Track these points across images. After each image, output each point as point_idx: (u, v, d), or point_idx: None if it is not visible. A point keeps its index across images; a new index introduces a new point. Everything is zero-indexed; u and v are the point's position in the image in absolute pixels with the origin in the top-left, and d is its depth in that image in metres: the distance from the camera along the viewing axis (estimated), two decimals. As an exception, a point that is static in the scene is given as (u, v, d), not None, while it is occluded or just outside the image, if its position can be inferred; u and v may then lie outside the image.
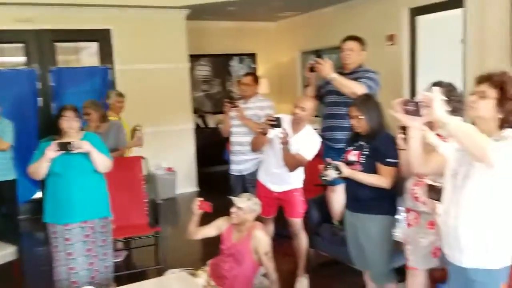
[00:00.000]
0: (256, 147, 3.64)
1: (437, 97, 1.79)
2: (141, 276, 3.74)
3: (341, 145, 3.21)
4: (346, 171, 2.71)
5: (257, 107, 4.12)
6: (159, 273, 3.55)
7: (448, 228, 1.96)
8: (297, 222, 3.57)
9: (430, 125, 2.53)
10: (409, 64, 5.53)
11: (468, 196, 1.89)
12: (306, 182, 3.66)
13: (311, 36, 7.23)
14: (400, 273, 2.92)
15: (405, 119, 1.93)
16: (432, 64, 5.34)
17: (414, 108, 1.86)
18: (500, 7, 4.22)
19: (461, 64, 4.78)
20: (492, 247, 1.89)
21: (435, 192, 2.23)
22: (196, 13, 6.65)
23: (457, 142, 1.85)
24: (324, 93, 3.74)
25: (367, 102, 2.83)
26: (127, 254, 4.46)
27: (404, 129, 2.37)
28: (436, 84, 2.44)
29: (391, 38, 5.64)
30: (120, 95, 4.88)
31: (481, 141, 1.73)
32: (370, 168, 2.70)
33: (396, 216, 2.85)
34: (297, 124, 3.39)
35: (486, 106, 1.87)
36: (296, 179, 3.53)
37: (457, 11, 4.83)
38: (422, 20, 5.43)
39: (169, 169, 6.56)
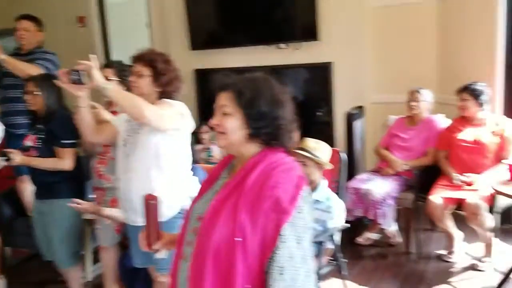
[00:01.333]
0: None
1: (94, 65, 1.89)
2: None
3: (23, 131, 3.03)
4: (19, 158, 2.55)
5: None
6: None
7: (123, 194, 2.11)
8: (-17, 222, 3.19)
9: (109, 103, 2.64)
10: (102, 46, 5.56)
11: (136, 161, 2.07)
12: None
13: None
14: (97, 253, 2.98)
15: (70, 88, 1.95)
16: (124, 46, 5.49)
17: (77, 77, 1.91)
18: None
19: (149, 46, 5.10)
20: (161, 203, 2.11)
21: None
22: None
23: (118, 104, 2.01)
24: (1, 76, 3.43)
25: (46, 80, 2.71)
26: None
27: None
28: (107, 64, 2.55)
29: (81, 20, 5.53)
30: None
31: (138, 102, 1.93)
32: (47, 152, 2.61)
33: (89, 197, 2.86)
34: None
35: (144, 83, 2.07)
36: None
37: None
38: (111, 3, 5.51)
39: None
